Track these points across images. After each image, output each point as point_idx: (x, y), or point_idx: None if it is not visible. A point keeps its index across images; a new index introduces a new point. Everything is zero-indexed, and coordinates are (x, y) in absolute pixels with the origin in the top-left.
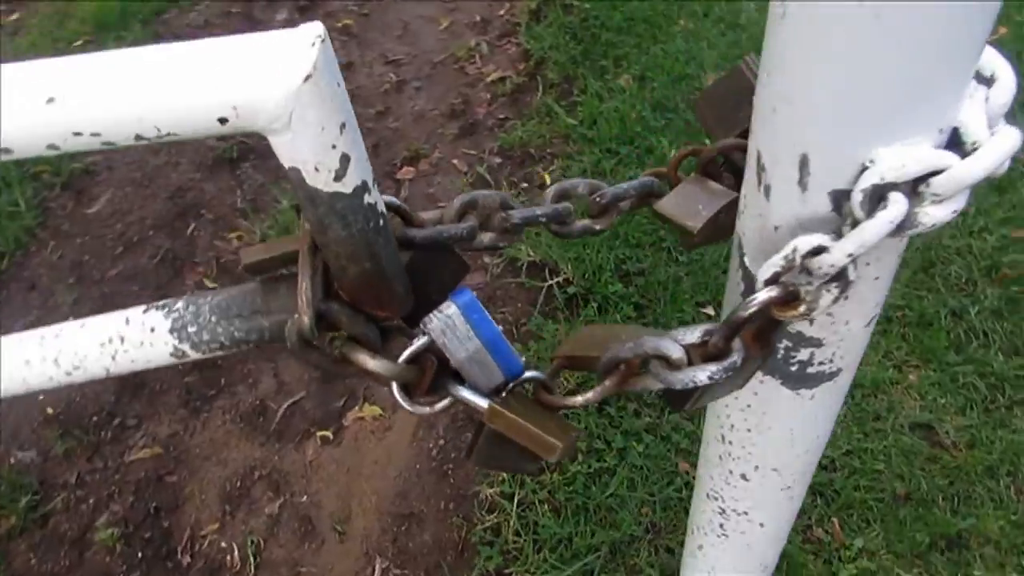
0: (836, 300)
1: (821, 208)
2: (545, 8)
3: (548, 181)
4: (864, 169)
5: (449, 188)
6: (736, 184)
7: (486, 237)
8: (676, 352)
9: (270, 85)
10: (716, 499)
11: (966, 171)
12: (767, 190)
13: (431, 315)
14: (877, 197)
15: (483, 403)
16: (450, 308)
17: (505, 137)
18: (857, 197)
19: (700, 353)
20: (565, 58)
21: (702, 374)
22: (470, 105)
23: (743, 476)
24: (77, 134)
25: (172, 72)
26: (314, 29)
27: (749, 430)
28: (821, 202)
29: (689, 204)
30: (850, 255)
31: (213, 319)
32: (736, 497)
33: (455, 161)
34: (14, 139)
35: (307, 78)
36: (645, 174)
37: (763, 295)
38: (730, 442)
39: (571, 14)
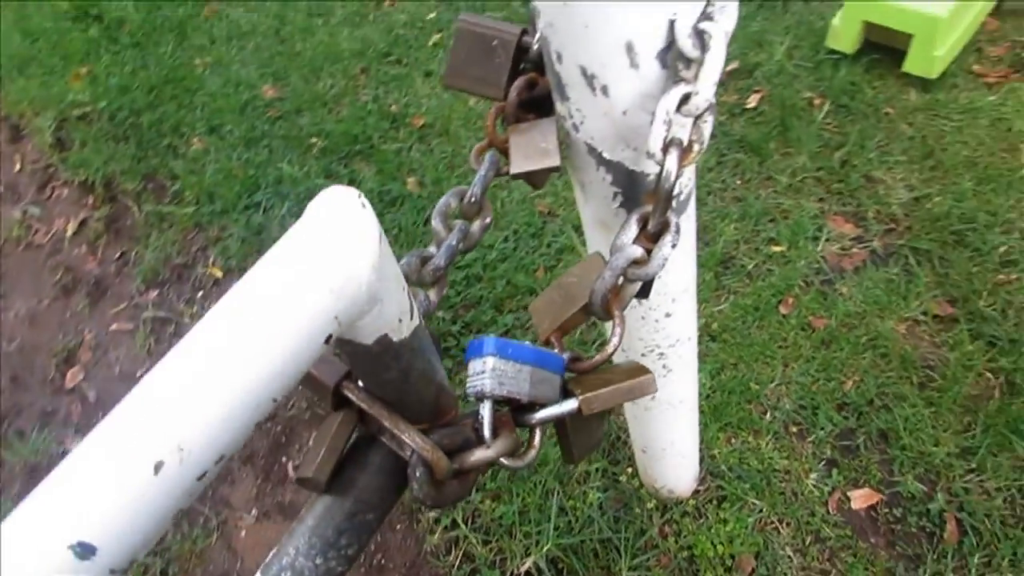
0: (711, 128)
1: (652, 74)
2: None
3: None
4: (672, 23)
5: None
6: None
7: (432, 293)
8: (639, 251)
9: (356, 272)
10: None
11: None
12: (605, 89)
13: (473, 380)
14: (698, 32)
15: (572, 403)
16: (487, 362)
17: None
18: (686, 42)
19: (647, 237)
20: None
21: (667, 249)
22: None
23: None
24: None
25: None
26: (349, 195)
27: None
28: (651, 68)
29: (535, 151)
30: (714, 83)
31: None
32: None
33: None
34: None
35: (379, 240)
36: (477, 152)
37: (672, 161)
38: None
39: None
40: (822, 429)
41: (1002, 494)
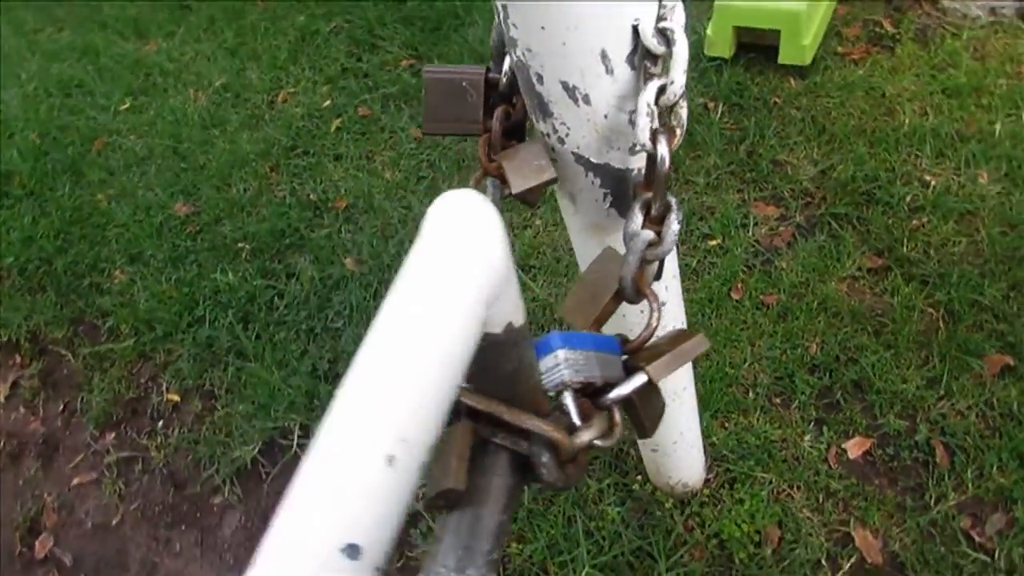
0: (686, 111)
1: (624, 76)
2: None
3: None
4: (636, 26)
5: None
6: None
7: None
8: (651, 233)
9: (494, 259)
10: None
11: None
12: (586, 98)
13: (549, 375)
14: (660, 31)
15: (641, 377)
16: (558, 355)
17: None
18: (651, 42)
19: (652, 221)
20: None
21: (675, 225)
22: None
23: None
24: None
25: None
26: (466, 193)
27: None
28: (623, 72)
29: (530, 169)
30: (684, 71)
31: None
32: None
33: None
34: None
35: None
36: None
37: (663, 146)
38: None
39: None
40: (802, 394)
41: (973, 411)
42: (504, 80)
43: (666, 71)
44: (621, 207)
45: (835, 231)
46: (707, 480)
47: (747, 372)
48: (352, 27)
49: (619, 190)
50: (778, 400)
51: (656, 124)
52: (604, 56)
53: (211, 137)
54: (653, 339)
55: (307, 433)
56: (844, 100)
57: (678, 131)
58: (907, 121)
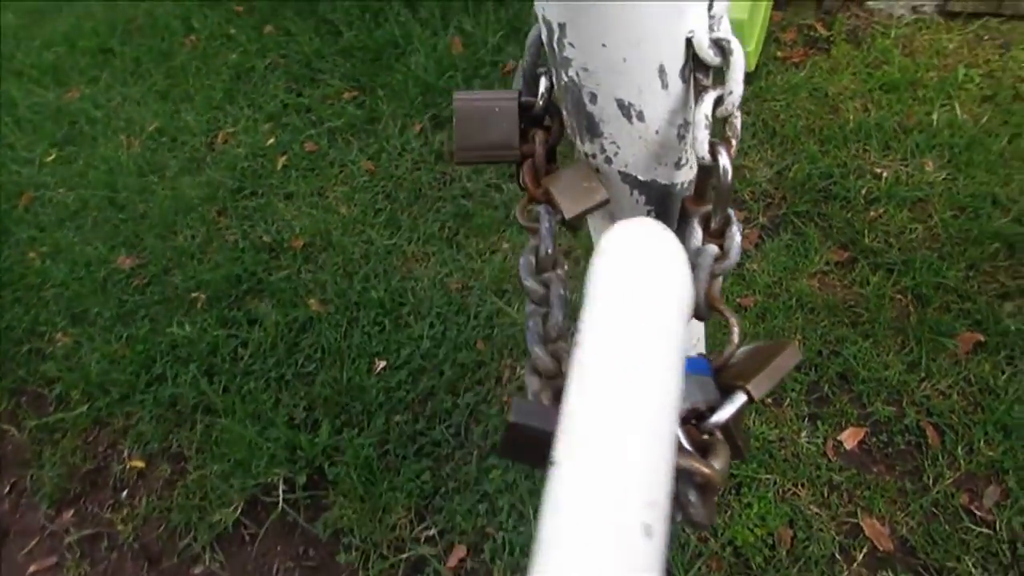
0: (740, 121)
1: (676, 89)
2: None
3: None
4: (690, 39)
5: None
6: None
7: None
8: (715, 248)
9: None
10: None
11: None
12: (640, 115)
13: None
14: (715, 42)
15: (741, 398)
16: None
17: None
18: (707, 53)
19: (710, 235)
20: None
21: (738, 237)
22: None
23: None
24: None
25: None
26: (641, 222)
27: None
28: (676, 85)
29: (580, 193)
30: (741, 81)
31: None
32: None
33: None
34: None
35: None
36: (522, 210)
37: (724, 157)
38: None
39: None
40: (792, 391)
41: (954, 390)
42: (540, 104)
43: (721, 82)
44: (664, 224)
45: (799, 228)
46: None
47: None
48: (289, 62)
49: (663, 206)
50: (769, 400)
51: (711, 142)
52: (662, 71)
53: (149, 184)
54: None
55: (292, 487)
56: (790, 102)
57: (734, 141)
58: (852, 118)
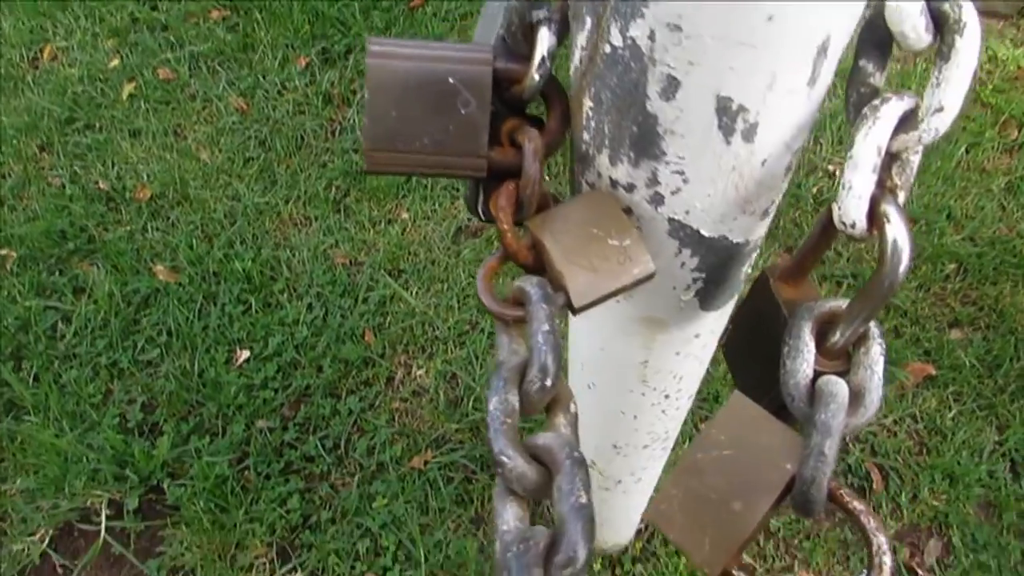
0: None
1: (822, 89)
2: None
3: None
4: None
5: None
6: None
7: None
8: (845, 390)
9: None
10: None
11: None
12: (752, 129)
13: None
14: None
15: None
16: None
17: None
18: (914, 24)
19: (831, 353)
20: None
21: (880, 370)
22: None
23: None
24: None
25: None
26: None
27: None
28: (826, 79)
29: (603, 256)
30: (965, 87)
31: None
32: None
33: None
34: None
35: None
36: (486, 282)
37: (898, 226)
38: None
39: None
40: None
41: (900, 427)
42: (534, 78)
43: (940, 81)
44: (709, 296)
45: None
46: (638, 531)
47: None
48: None
49: (719, 274)
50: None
51: (880, 184)
52: (822, 52)
53: None
54: None
55: (119, 511)
56: None
57: (902, 196)
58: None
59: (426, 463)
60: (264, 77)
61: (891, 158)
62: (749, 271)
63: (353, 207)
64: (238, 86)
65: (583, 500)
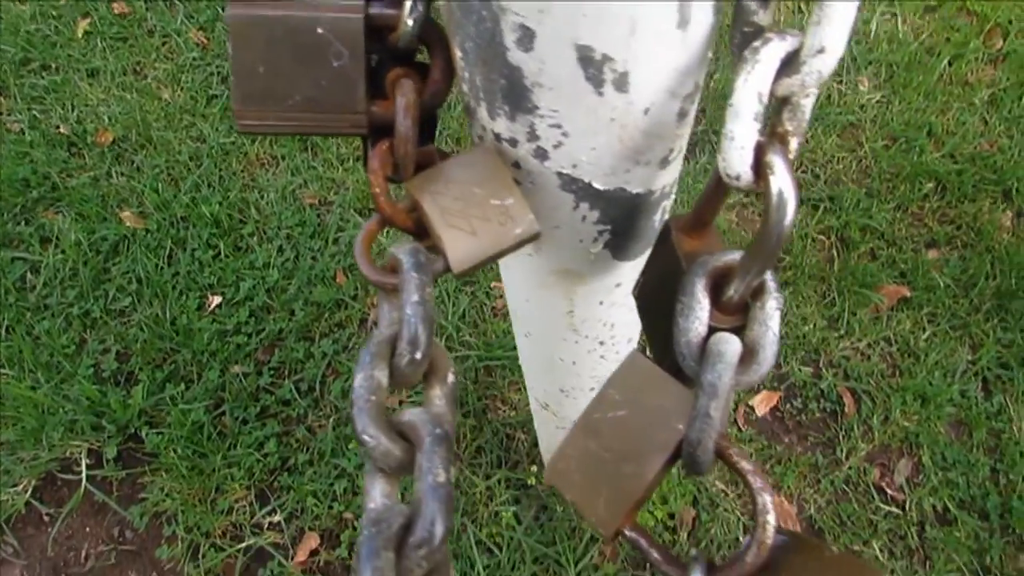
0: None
1: (702, 32)
2: None
3: None
4: None
5: None
6: None
7: None
8: (738, 345)
9: None
10: None
11: None
12: (623, 78)
13: None
14: None
15: None
16: None
17: None
18: None
19: (728, 308)
20: None
21: (775, 324)
22: None
23: None
24: None
25: None
26: None
27: None
28: (705, 24)
29: (483, 215)
30: (847, 28)
31: None
32: None
33: None
34: None
35: None
36: (364, 245)
37: (781, 176)
38: None
39: None
40: None
41: (874, 350)
42: (408, 25)
43: (821, 22)
44: (620, 247)
45: (714, 150)
46: None
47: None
48: None
49: (626, 225)
50: None
51: (766, 129)
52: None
53: None
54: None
55: (99, 460)
56: None
57: (794, 142)
58: (781, 20)
59: (400, 403)
60: (223, 10)
61: (782, 102)
62: (665, 217)
63: (320, 144)
64: (197, 19)
65: (440, 479)
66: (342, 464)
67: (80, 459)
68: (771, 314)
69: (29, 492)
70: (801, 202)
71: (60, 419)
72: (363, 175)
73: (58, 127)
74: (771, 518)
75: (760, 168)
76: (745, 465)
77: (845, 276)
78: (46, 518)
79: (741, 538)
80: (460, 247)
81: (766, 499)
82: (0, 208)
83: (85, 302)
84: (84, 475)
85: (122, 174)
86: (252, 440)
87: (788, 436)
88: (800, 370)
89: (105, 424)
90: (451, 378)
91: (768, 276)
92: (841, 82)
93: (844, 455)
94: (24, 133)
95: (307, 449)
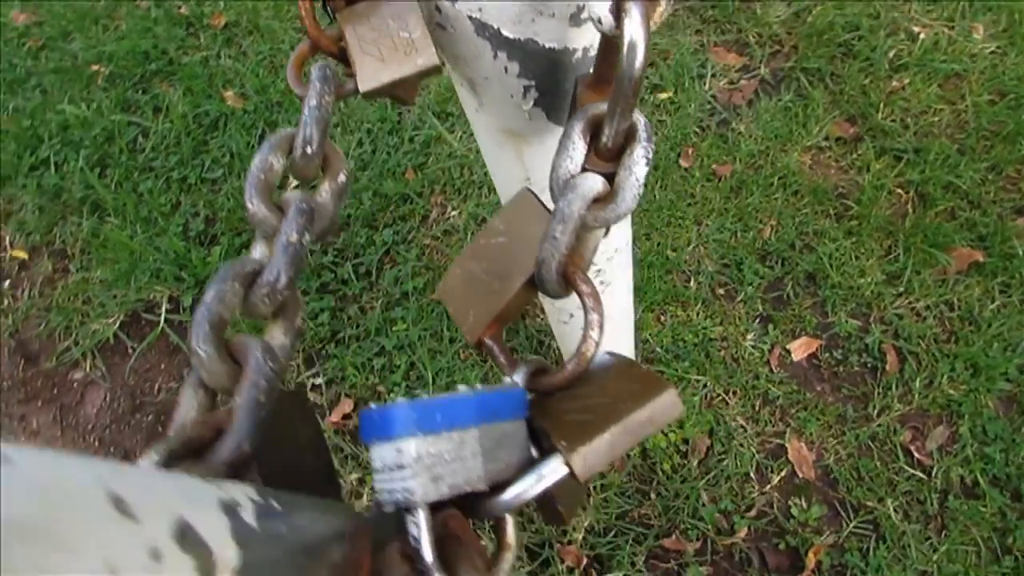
0: None
1: None
2: None
3: None
4: None
5: None
6: None
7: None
8: (599, 181)
9: None
10: None
11: None
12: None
13: (388, 481)
14: None
15: (558, 467)
16: (405, 450)
17: None
18: None
19: (600, 155)
20: None
21: (641, 168)
22: None
23: None
24: None
25: None
26: None
27: None
28: None
29: (392, 47)
30: None
31: None
32: None
33: None
34: None
35: None
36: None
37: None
38: None
39: None
40: (750, 285)
41: (931, 312)
42: None
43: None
44: (552, 107)
45: (804, 89)
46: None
47: (690, 257)
48: None
49: (550, 83)
50: (722, 291)
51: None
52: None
53: None
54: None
55: (177, 307)
56: None
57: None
58: None
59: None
60: None
61: None
62: None
63: None
64: None
65: (292, 239)
66: (384, 344)
67: (161, 303)
68: (637, 160)
69: (117, 325)
70: (883, 151)
71: (149, 266)
72: (444, 79)
73: (180, 7)
74: (595, 334)
75: (618, 14)
76: (584, 287)
77: (916, 233)
78: (130, 350)
79: (752, 474)
80: (368, 70)
81: (594, 317)
82: (122, 76)
83: (184, 168)
84: (163, 317)
85: (229, 56)
86: (309, 311)
87: (821, 385)
88: (847, 321)
89: (185, 276)
90: (342, 177)
91: (641, 125)
92: (952, 27)
93: (876, 412)
94: (150, 10)
95: (356, 326)
